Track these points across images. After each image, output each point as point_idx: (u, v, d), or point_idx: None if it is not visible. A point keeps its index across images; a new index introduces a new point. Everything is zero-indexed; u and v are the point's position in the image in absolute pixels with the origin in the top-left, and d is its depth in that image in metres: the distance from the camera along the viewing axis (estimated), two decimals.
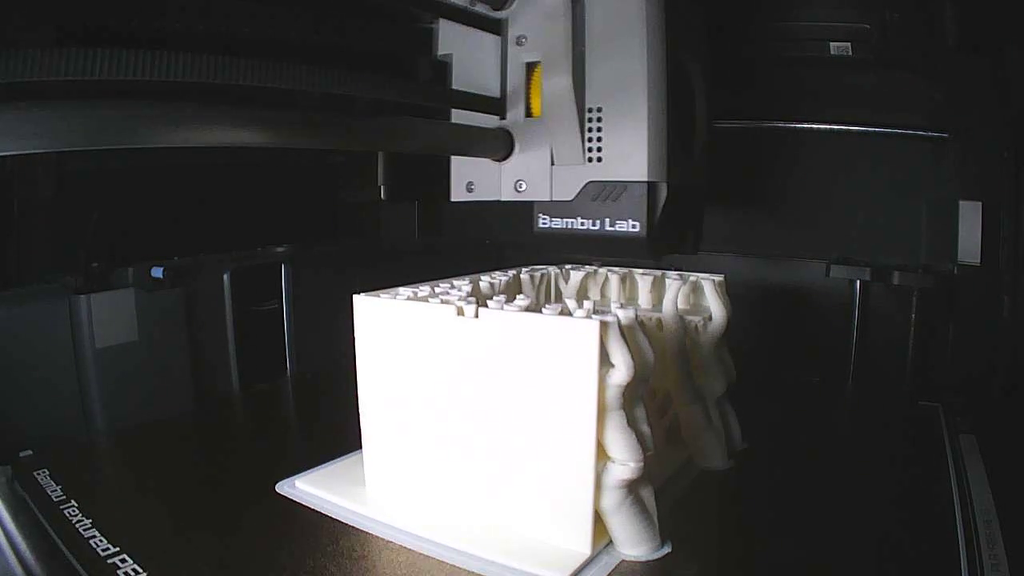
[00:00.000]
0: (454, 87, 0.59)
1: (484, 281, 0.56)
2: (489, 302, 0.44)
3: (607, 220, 0.54)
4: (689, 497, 0.51)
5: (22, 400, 0.59)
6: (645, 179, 0.53)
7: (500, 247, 0.93)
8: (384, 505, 0.47)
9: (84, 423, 0.63)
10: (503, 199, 0.58)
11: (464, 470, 0.46)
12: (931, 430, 0.66)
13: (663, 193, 0.54)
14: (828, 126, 0.84)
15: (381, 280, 0.51)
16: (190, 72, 0.37)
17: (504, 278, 0.57)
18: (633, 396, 0.42)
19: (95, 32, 0.48)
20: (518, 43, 0.56)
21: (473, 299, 0.46)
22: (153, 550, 0.42)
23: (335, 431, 0.56)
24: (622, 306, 0.42)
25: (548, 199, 0.56)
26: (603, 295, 0.65)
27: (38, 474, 0.52)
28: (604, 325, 0.39)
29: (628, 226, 0.54)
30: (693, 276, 0.60)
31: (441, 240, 0.99)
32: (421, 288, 0.50)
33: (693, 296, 0.61)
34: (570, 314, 0.41)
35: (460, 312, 0.44)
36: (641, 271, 0.63)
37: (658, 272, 0.62)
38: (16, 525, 0.42)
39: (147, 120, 0.36)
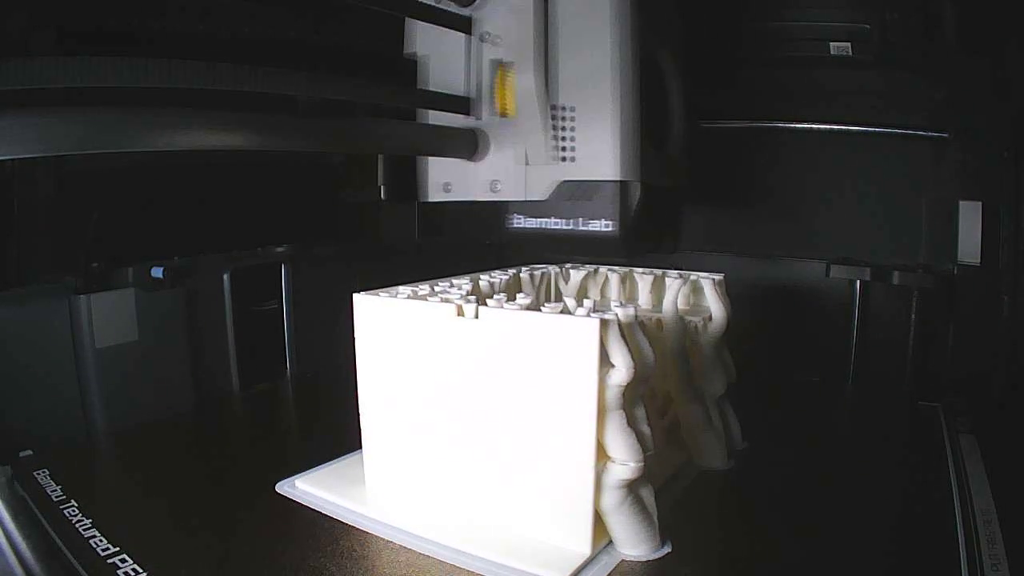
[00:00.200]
0: (427, 86, 0.58)
1: (484, 280, 0.56)
2: (489, 301, 0.44)
3: (580, 219, 0.54)
4: (689, 497, 0.51)
5: (22, 400, 0.59)
6: (617, 178, 0.53)
7: (500, 247, 0.93)
8: (384, 505, 0.47)
9: (84, 423, 0.63)
10: (478, 199, 0.57)
11: (464, 469, 0.46)
12: (931, 430, 0.66)
13: (636, 192, 0.53)
14: (828, 126, 0.84)
15: (381, 280, 0.51)
16: (152, 76, 0.36)
17: (504, 277, 0.58)
18: (633, 396, 0.42)
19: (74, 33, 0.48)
20: (482, 39, 0.55)
21: (473, 298, 0.46)
22: (153, 550, 0.42)
23: (335, 431, 0.56)
24: (622, 305, 0.42)
25: (523, 199, 0.56)
26: (603, 295, 0.65)
27: (38, 474, 0.52)
28: (604, 323, 0.39)
29: (601, 225, 0.54)
30: (693, 275, 0.60)
31: (441, 240, 0.99)
32: (421, 287, 0.50)
33: (693, 296, 0.61)
34: (570, 313, 0.41)
35: (460, 311, 0.44)
36: (641, 270, 0.63)
37: (658, 271, 0.62)
38: (16, 525, 0.42)
39: (104, 125, 0.36)
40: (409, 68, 0.60)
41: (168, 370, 0.69)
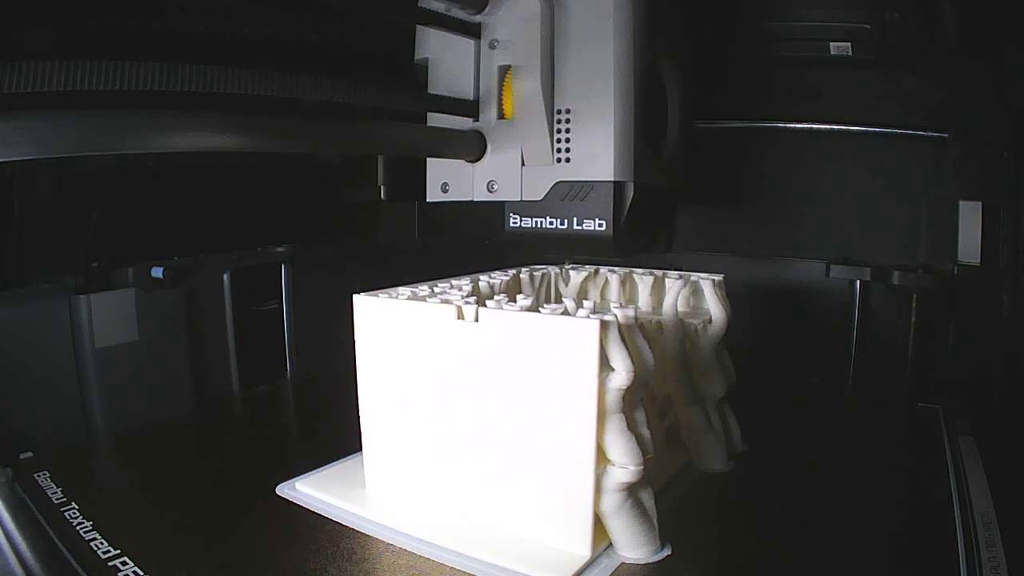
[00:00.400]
0: (431, 90, 0.59)
1: (484, 281, 0.56)
2: (489, 302, 0.44)
3: (575, 219, 0.55)
4: (689, 499, 0.51)
5: (22, 400, 0.59)
6: (611, 179, 0.53)
7: (500, 247, 0.93)
8: (384, 507, 0.47)
9: (84, 423, 0.63)
10: (476, 199, 0.58)
11: (464, 472, 0.46)
12: (931, 432, 0.66)
13: (630, 193, 0.54)
14: (828, 126, 0.84)
15: (381, 280, 0.52)
16: (156, 81, 0.36)
17: (504, 278, 0.58)
18: (633, 399, 0.42)
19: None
20: (492, 47, 0.56)
21: (473, 299, 0.46)
22: (154, 552, 0.42)
23: (335, 433, 0.56)
24: (621, 307, 0.42)
25: (519, 199, 0.57)
26: (603, 297, 0.65)
27: (39, 476, 0.52)
28: (604, 324, 0.39)
29: (595, 225, 0.55)
30: (693, 276, 0.60)
31: (441, 240, 0.99)
32: (421, 288, 0.50)
33: (693, 298, 0.61)
34: (570, 314, 0.41)
35: (460, 311, 0.44)
36: (641, 272, 0.63)
37: (658, 272, 0.62)
38: (17, 527, 0.42)
39: (105, 128, 0.36)
40: (419, 72, 0.61)
41: (168, 370, 0.69)
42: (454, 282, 0.54)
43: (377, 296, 0.49)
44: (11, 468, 0.51)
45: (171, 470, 0.58)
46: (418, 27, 0.60)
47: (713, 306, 0.58)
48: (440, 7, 0.55)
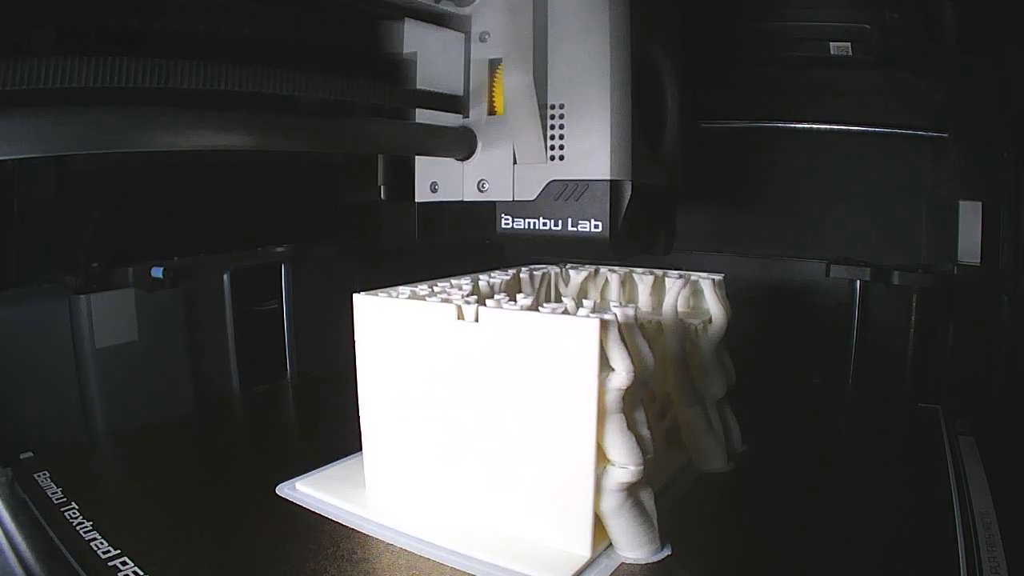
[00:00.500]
0: (419, 85, 0.57)
1: (484, 281, 0.56)
2: (489, 301, 0.44)
3: (569, 220, 0.53)
4: (689, 499, 0.51)
5: (22, 400, 0.59)
6: (608, 178, 0.51)
7: (500, 246, 0.93)
8: (385, 507, 0.47)
9: (84, 423, 0.63)
10: (466, 199, 0.57)
11: (464, 472, 0.46)
12: (930, 432, 0.66)
13: (627, 192, 0.52)
14: (828, 126, 0.84)
15: (381, 280, 0.51)
16: (143, 78, 0.36)
17: (504, 278, 0.58)
18: (633, 399, 0.42)
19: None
20: (481, 40, 0.54)
21: (473, 298, 0.46)
22: (154, 552, 0.42)
23: (335, 433, 0.56)
24: (621, 306, 0.42)
25: (511, 199, 0.55)
26: (603, 297, 0.65)
27: (39, 476, 0.52)
28: (604, 323, 0.39)
29: (591, 226, 0.52)
30: (693, 276, 0.60)
31: (441, 240, 0.99)
32: (421, 287, 0.50)
33: (693, 298, 0.61)
34: (570, 313, 0.41)
35: (460, 311, 0.44)
36: (641, 272, 0.63)
37: (659, 272, 0.62)
38: (17, 527, 0.42)
39: (99, 126, 0.36)
40: (403, 67, 0.60)
41: (168, 370, 0.69)
42: (454, 281, 0.54)
43: (377, 295, 0.49)
44: (11, 468, 0.51)
45: (171, 470, 0.58)
46: (404, 20, 0.58)
47: (713, 306, 0.58)
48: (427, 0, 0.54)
